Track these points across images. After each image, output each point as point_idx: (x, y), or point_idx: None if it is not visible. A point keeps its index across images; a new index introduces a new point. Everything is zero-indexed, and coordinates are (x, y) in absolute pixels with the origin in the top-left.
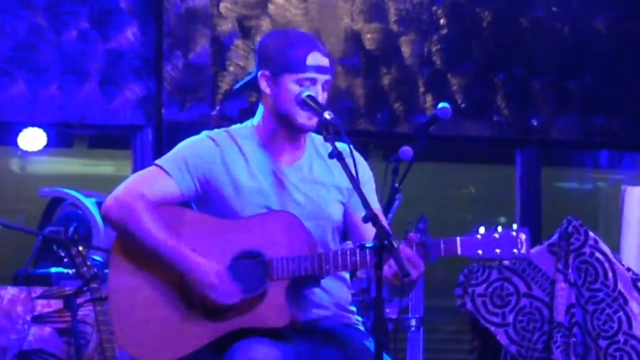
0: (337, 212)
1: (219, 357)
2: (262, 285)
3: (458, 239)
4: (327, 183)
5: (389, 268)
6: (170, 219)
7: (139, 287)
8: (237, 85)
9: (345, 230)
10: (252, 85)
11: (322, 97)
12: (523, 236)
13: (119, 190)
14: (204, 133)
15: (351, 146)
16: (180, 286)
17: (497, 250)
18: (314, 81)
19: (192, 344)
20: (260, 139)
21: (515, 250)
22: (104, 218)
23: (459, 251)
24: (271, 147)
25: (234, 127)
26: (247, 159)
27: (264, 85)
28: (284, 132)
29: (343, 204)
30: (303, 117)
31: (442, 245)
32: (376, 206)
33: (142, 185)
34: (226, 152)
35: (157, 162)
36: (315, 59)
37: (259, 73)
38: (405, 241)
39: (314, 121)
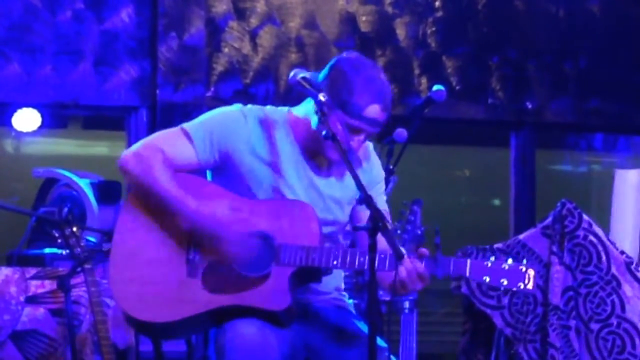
0: (346, 217)
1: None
2: (267, 267)
3: (468, 261)
4: (343, 198)
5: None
6: (188, 186)
7: (144, 244)
8: (298, 78)
9: None
10: (309, 91)
11: (357, 142)
12: (532, 272)
13: (138, 144)
14: (238, 107)
15: (371, 144)
16: (186, 250)
17: (504, 281)
18: (360, 130)
19: (185, 311)
20: (294, 132)
21: (521, 284)
22: (121, 170)
23: (467, 273)
24: (301, 145)
25: (269, 108)
26: (276, 146)
27: (320, 105)
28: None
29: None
30: (331, 152)
31: (451, 265)
32: (384, 207)
33: (162, 142)
34: (254, 133)
35: (183, 125)
36: (374, 111)
37: (320, 95)
38: (415, 254)
39: (337, 156)
